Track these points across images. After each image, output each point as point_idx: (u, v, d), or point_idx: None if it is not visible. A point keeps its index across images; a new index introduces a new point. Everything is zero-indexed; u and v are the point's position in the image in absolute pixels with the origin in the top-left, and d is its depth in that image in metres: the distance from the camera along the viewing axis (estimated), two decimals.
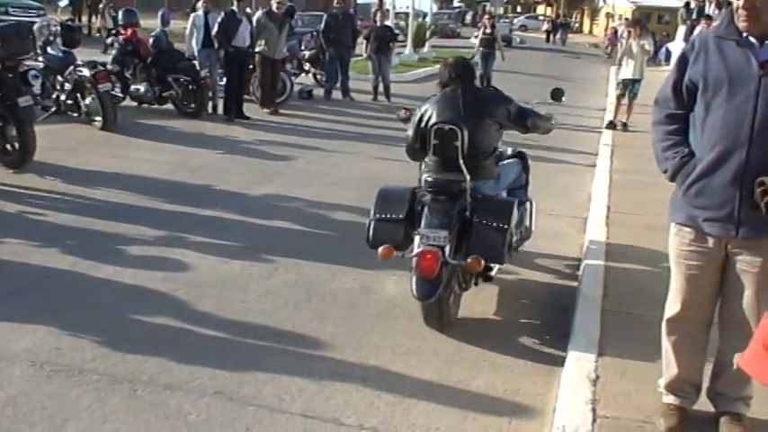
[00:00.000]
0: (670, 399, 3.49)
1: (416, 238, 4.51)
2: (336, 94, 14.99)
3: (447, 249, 4.39)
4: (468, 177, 4.61)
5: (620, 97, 12.95)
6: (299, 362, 4.19)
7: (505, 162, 5.52)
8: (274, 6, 12.50)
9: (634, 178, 8.86)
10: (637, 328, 4.51)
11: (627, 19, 34.08)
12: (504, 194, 5.22)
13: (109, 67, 10.97)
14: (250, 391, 3.83)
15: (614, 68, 26.31)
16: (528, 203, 5.66)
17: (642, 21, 13.57)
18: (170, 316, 4.69)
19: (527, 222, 5.58)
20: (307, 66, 15.73)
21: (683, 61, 3.21)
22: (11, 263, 5.41)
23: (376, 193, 4.95)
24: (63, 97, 10.19)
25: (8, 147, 7.81)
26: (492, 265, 4.76)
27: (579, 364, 4.09)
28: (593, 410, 3.62)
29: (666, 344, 3.44)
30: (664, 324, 3.44)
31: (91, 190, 7.33)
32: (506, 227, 4.53)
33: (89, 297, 4.92)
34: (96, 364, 4.01)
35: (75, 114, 10.29)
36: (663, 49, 31.31)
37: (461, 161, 4.59)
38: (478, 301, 5.12)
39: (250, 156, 9.41)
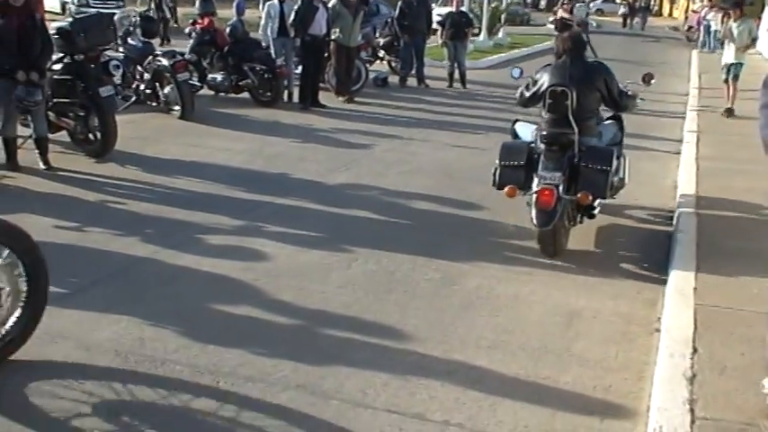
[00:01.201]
0: None
1: (535, 179, 5.54)
2: (411, 82, 14.84)
3: (560, 188, 5.39)
4: (576, 130, 5.58)
5: (726, 82, 12.38)
6: (382, 355, 4.10)
7: (606, 123, 6.42)
8: None
9: (722, 166, 8.51)
10: (732, 325, 4.29)
11: (710, 0, 33.02)
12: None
13: (186, 56, 11.07)
14: (332, 384, 3.75)
15: (696, 52, 25.71)
16: (623, 158, 6.47)
17: (742, 2, 12.86)
18: (250, 306, 4.65)
19: (621, 174, 6.35)
20: (381, 53, 15.61)
21: None
22: (92, 251, 5.45)
23: (500, 146, 6.02)
24: (142, 87, 10.32)
25: (90, 136, 7.93)
26: (595, 204, 5.75)
27: (674, 361, 3.89)
28: (692, 411, 3.43)
29: None
30: (766, 318, 3.22)
31: (170, 179, 7.38)
32: (608, 169, 5.54)
33: (170, 287, 4.92)
34: (179, 355, 3.99)
35: (155, 104, 10.42)
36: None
37: (571, 117, 5.57)
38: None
39: (326, 144, 9.36)
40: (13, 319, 3.68)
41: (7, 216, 3.90)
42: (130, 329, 4.26)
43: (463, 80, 15.00)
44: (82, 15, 8.15)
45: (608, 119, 6.52)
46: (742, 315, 4.46)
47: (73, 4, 23.97)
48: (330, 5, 12.37)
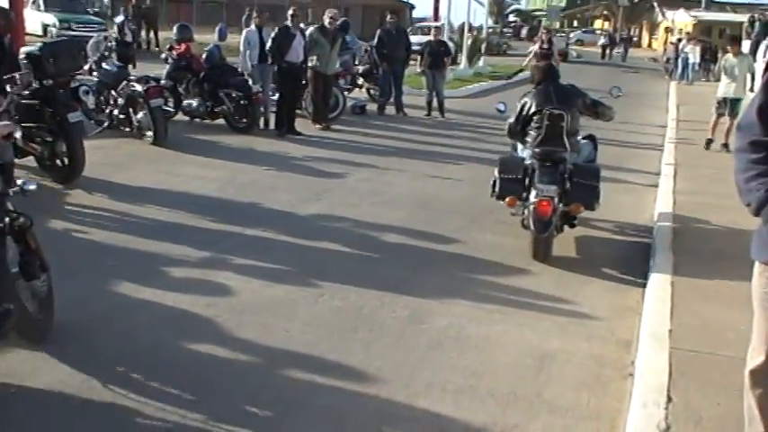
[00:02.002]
0: None
1: (533, 192, 6.17)
2: (390, 110, 14.77)
3: (556, 200, 6.08)
4: (569, 149, 6.38)
5: (719, 116, 12.31)
6: (344, 399, 3.93)
7: (582, 141, 7.05)
8: (327, 21, 12.35)
9: (701, 200, 8.44)
10: (708, 372, 4.17)
11: (687, 33, 33.41)
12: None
13: (162, 82, 10.94)
14: None
15: (674, 83, 25.90)
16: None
17: (740, 37, 12.87)
18: (210, 344, 4.47)
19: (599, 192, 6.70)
20: (360, 81, 15.55)
21: None
22: None
23: (498, 160, 6.70)
24: (116, 112, 10.14)
25: (58, 162, 7.74)
26: (576, 217, 6.48)
27: (648, 411, 3.74)
28: None
29: (750, 398, 3.06)
30: (746, 375, 3.08)
31: (138, 207, 7.19)
32: (598, 184, 6.32)
33: (127, 322, 4.72)
34: (128, 399, 3.79)
35: (128, 129, 10.24)
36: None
37: (565, 137, 6.35)
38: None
39: (300, 173, 9.22)
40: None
41: None
42: (80, 370, 4.06)
43: (441, 109, 14.94)
44: (52, 41, 7.98)
45: (583, 138, 7.11)
46: (718, 360, 4.34)
47: (55, 27, 23.81)
48: (308, 33, 12.30)
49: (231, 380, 4.07)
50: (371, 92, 15.63)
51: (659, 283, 5.65)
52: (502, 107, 7.63)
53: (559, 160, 6.32)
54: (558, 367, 4.44)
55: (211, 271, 5.67)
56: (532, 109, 6.54)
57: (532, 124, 6.52)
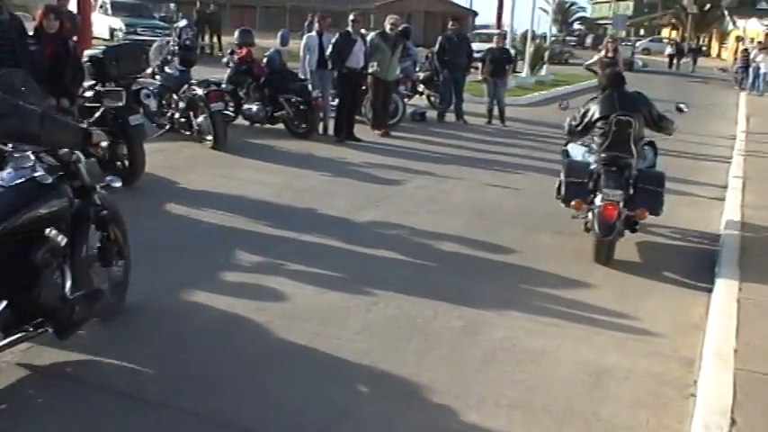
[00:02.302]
0: None
1: (598, 196, 6.24)
2: (450, 117, 14.66)
3: (621, 204, 6.15)
4: (635, 155, 6.44)
5: None
6: (394, 411, 3.84)
7: (644, 148, 6.98)
8: (388, 27, 12.33)
9: None
10: None
11: (759, 42, 32.48)
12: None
13: (223, 86, 11.03)
14: None
15: (744, 94, 25.18)
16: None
17: None
18: (259, 350, 4.44)
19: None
20: (421, 87, 15.48)
21: None
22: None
23: (565, 164, 6.83)
24: (177, 115, 10.26)
25: (118, 164, 7.84)
26: (638, 222, 6.48)
27: None
28: None
29: None
30: None
31: (195, 210, 7.24)
32: (663, 190, 6.38)
33: (180, 325, 4.73)
34: (181, 398, 3.78)
35: (188, 133, 10.35)
36: None
37: (632, 143, 6.40)
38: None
39: (358, 179, 9.18)
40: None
41: None
42: (135, 368, 4.07)
43: (502, 117, 14.79)
44: (114, 44, 8.12)
45: (645, 144, 7.07)
46: None
47: (121, 31, 24.34)
48: (369, 39, 12.29)
49: (280, 387, 4.02)
50: (432, 99, 15.54)
51: (725, 299, 5.43)
52: (566, 104, 8.15)
53: (625, 166, 6.38)
54: (615, 384, 4.29)
55: (265, 276, 5.65)
56: (596, 115, 6.62)
57: (596, 130, 6.61)
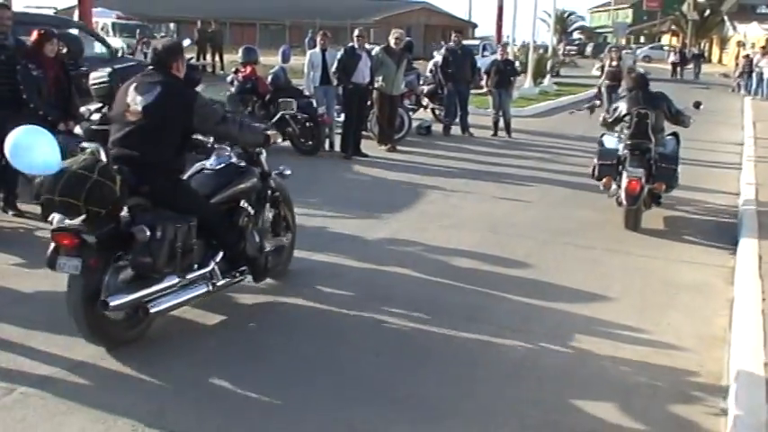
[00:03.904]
0: None
1: (624, 174, 7.67)
2: (456, 130, 14.58)
3: (642, 180, 7.55)
4: (653, 141, 7.84)
5: None
6: None
7: (668, 137, 8.37)
8: (392, 42, 12.28)
9: None
10: None
11: (762, 47, 32.41)
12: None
13: (227, 108, 10.96)
14: None
15: (749, 99, 25.10)
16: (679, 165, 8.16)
17: None
18: (277, 374, 4.35)
19: (678, 176, 8.05)
20: (425, 101, 15.42)
21: None
22: None
23: (598, 150, 8.36)
24: None
25: None
26: (660, 197, 8.08)
27: None
28: None
29: None
30: None
31: None
32: (676, 167, 7.88)
33: (192, 355, 4.61)
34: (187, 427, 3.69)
35: (193, 152, 10.25)
36: None
37: (650, 131, 7.82)
38: None
39: (367, 195, 9.10)
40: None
41: None
42: (150, 398, 3.99)
43: (508, 129, 14.72)
44: (121, 65, 8.01)
45: (668, 135, 8.40)
46: None
47: (123, 51, 24.36)
48: (373, 53, 12.24)
49: (299, 411, 3.93)
50: (436, 112, 15.49)
51: (748, 310, 5.32)
52: (598, 103, 10.20)
53: (645, 150, 7.79)
54: (642, 402, 4.18)
55: (278, 297, 5.56)
56: (623, 110, 8.14)
57: (623, 123, 8.10)
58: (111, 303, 4.27)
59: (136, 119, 4.65)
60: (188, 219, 4.60)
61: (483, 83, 15.32)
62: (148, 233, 4.30)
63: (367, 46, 12.52)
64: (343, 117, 12.09)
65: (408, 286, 5.96)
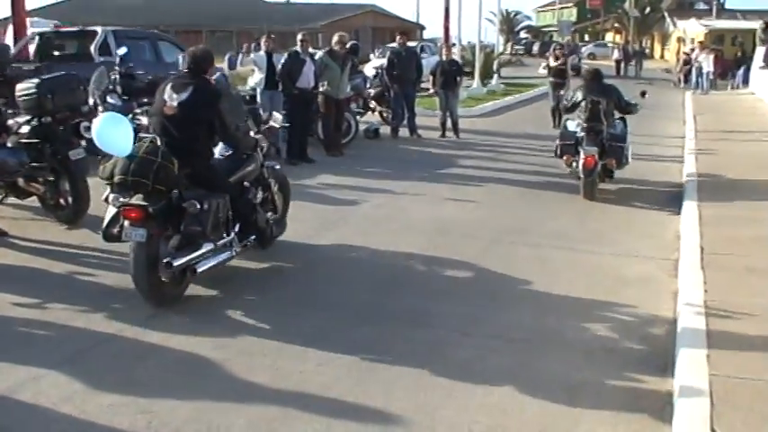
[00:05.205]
0: None
1: (581, 152, 9.03)
2: (404, 132, 14.54)
3: (596, 156, 8.94)
4: (605, 124, 9.20)
5: None
6: None
7: (616, 121, 9.75)
8: (336, 45, 12.18)
9: (727, 213, 8.12)
10: (751, 400, 3.86)
11: (700, 42, 33.06)
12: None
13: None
14: None
15: (689, 94, 25.56)
16: (629, 145, 9.72)
17: None
18: (219, 390, 4.22)
19: (627, 155, 9.61)
20: (372, 104, 15.34)
21: None
22: (52, 330, 5.03)
23: (560, 132, 9.85)
24: None
25: (62, 201, 7.53)
26: (613, 172, 9.59)
27: None
28: None
29: None
30: None
31: None
32: (624, 145, 9.44)
33: (132, 370, 4.48)
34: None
35: None
36: (740, 72, 30.22)
37: (602, 116, 9.17)
38: None
39: (313, 201, 8.96)
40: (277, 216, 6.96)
41: None
42: (84, 424, 3.83)
43: (456, 129, 14.71)
44: (49, 76, 7.72)
45: (617, 119, 9.77)
46: (762, 387, 4.04)
47: None
48: (317, 57, 12.13)
49: (243, 428, 3.82)
50: (384, 115, 15.42)
51: (691, 301, 5.35)
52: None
53: (599, 131, 9.16)
54: (590, 399, 4.15)
55: (221, 310, 5.43)
56: (580, 98, 9.50)
57: (581, 108, 9.40)
58: (174, 263, 5.18)
59: (172, 113, 5.55)
60: (223, 195, 5.70)
61: (426, 85, 15.30)
62: (198, 206, 5.29)
63: (311, 50, 12.39)
64: (288, 123, 11.91)
65: (356, 293, 5.87)
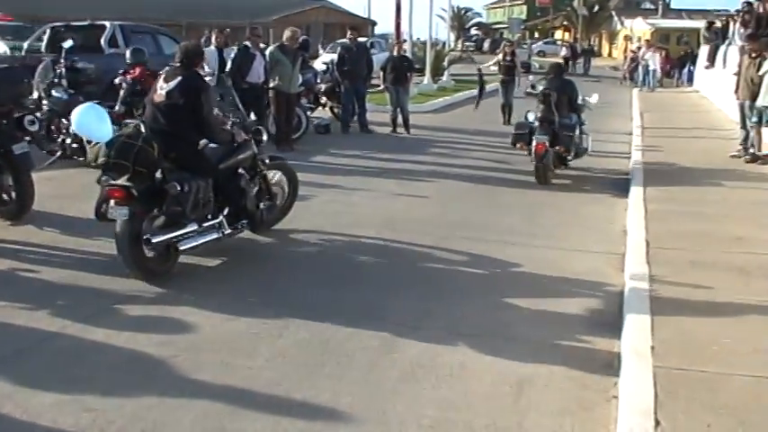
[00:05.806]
0: None
1: (534, 139, 9.73)
2: (354, 128, 14.51)
3: (547, 144, 9.66)
4: (556, 115, 9.90)
5: (756, 125, 11.32)
6: None
7: (571, 114, 10.44)
8: (287, 40, 12.10)
9: (671, 208, 8.29)
10: (694, 390, 3.95)
11: (647, 41, 33.64)
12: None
13: (116, 108, 10.56)
14: None
15: (636, 91, 26.01)
16: (587, 135, 10.86)
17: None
18: (165, 387, 4.16)
19: (585, 145, 10.77)
20: (323, 99, 15.28)
21: None
22: None
23: (516, 123, 10.84)
24: (68, 141, 9.73)
25: (5, 197, 7.35)
26: (566, 159, 10.34)
27: None
28: None
29: None
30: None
31: (91, 241, 6.79)
32: (572, 134, 10.13)
33: (75, 368, 4.38)
34: None
35: (81, 159, 9.82)
36: (686, 71, 30.87)
37: (553, 107, 9.90)
38: None
39: None
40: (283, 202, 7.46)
41: None
42: (26, 424, 3.74)
43: (406, 125, 14.74)
44: None
45: (570, 111, 10.44)
46: (704, 378, 4.13)
47: (6, 55, 23.22)
48: (268, 52, 12.05)
49: (190, 425, 3.77)
50: (335, 110, 15.38)
51: (637, 295, 5.44)
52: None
53: (550, 122, 9.86)
54: (537, 393, 4.19)
55: (168, 307, 5.36)
56: (539, 89, 10.34)
57: (538, 98, 10.23)
58: (153, 240, 5.64)
59: (161, 101, 5.99)
60: (205, 178, 5.98)
61: (377, 81, 15.31)
62: (179, 188, 5.62)
63: (261, 45, 12.29)
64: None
65: (304, 289, 5.84)
